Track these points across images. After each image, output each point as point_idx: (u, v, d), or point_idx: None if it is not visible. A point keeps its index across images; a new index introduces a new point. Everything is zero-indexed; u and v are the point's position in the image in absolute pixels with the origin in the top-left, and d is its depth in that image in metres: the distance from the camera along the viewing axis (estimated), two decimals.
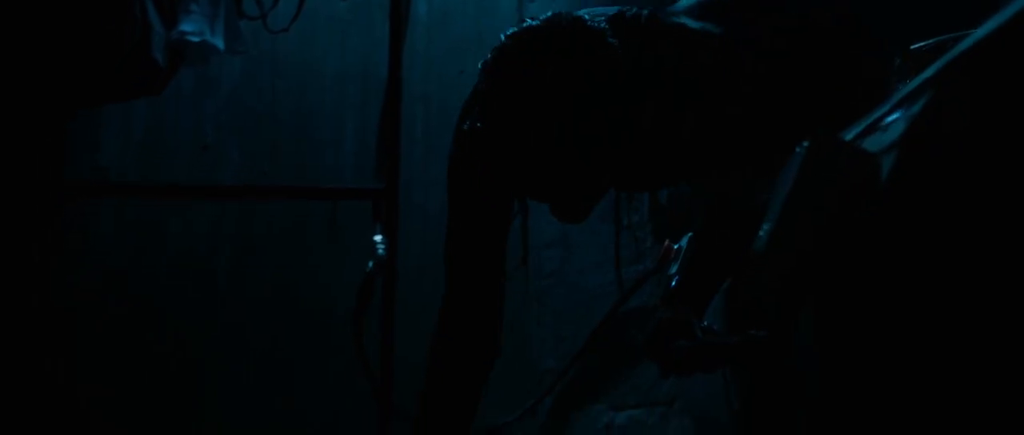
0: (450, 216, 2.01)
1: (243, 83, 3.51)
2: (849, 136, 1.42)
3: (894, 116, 1.30)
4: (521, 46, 1.71)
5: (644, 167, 1.81)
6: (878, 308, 1.23)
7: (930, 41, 1.72)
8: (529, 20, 1.76)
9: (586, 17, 1.72)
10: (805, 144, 1.34)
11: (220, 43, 2.89)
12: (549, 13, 1.75)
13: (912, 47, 1.76)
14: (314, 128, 3.56)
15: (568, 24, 1.70)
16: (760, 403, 1.63)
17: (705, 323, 1.82)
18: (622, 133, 1.70)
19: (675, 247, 2.40)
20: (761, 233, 1.39)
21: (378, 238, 3.00)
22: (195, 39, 2.81)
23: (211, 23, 2.86)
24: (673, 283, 1.93)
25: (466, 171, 1.94)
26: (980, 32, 1.19)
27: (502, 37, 1.75)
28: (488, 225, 1.98)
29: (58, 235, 3.28)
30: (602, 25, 1.70)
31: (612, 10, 1.80)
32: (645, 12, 1.75)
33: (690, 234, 2.05)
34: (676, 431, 3.61)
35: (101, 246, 3.39)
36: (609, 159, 1.71)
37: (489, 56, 1.75)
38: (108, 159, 3.40)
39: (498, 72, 1.72)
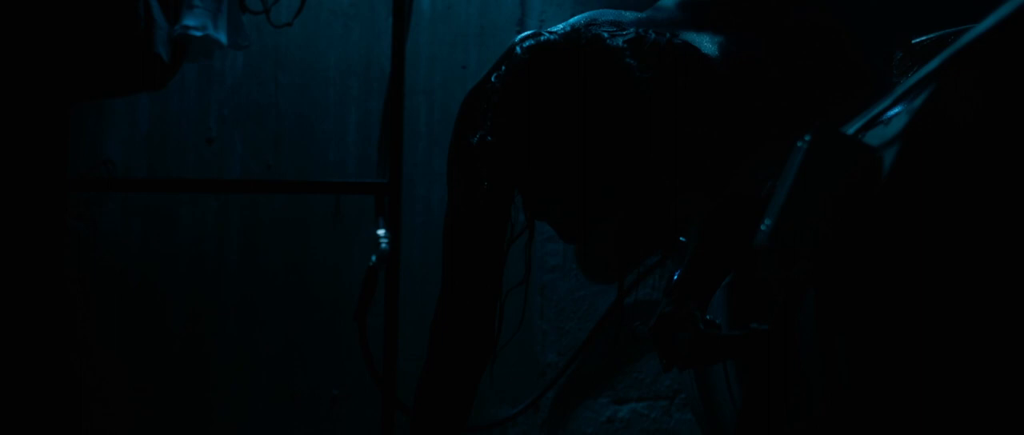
0: (450, 214, 2.02)
1: (246, 77, 3.52)
2: (851, 130, 1.42)
3: (896, 110, 1.31)
4: (538, 62, 1.68)
5: (655, 180, 1.80)
6: (880, 302, 1.23)
7: (932, 35, 1.72)
8: (548, 33, 1.73)
9: (605, 35, 1.70)
10: (807, 138, 1.35)
11: (223, 38, 2.90)
12: (562, 20, 1.74)
13: (914, 41, 1.77)
14: (317, 121, 3.56)
15: (587, 42, 1.68)
16: (761, 397, 1.63)
17: (708, 317, 1.83)
18: (638, 152, 1.68)
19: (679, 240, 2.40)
20: (763, 227, 1.39)
21: (381, 232, 3.00)
22: (198, 34, 2.81)
23: (214, 18, 2.86)
24: (676, 276, 1.93)
25: (472, 177, 1.94)
26: (982, 26, 1.19)
27: (517, 50, 1.72)
28: (489, 230, 1.99)
29: (64, 228, 3.28)
30: (621, 44, 1.68)
31: (627, 20, 1.79)
32: (665, 37, 1.74)
33: (693, 228, 2.05)
34: (678, 425, 3.62)
35: (106, 239, 3.40)
36: (624, 178, 1.70)
37: (503, 68, 1.73)
38: (114, 152, 3.41)
39: (514, 86, 1.70)
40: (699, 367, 2.06)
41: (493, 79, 1.75)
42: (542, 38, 1.71)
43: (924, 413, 1.20)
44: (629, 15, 1.86)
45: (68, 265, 3.28)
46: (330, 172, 3.54)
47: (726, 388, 1.89)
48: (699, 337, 1.73)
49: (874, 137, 1.32)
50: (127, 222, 3.42)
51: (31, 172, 2.87)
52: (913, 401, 1.21)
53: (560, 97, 1.65)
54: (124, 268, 3.40)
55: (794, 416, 1.48)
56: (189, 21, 2.79)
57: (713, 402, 2.04)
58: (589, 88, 1.65)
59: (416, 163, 3.56)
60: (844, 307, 1.27)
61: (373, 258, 2.96)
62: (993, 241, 1.18)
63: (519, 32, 3.66)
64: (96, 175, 3.35)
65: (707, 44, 1.78)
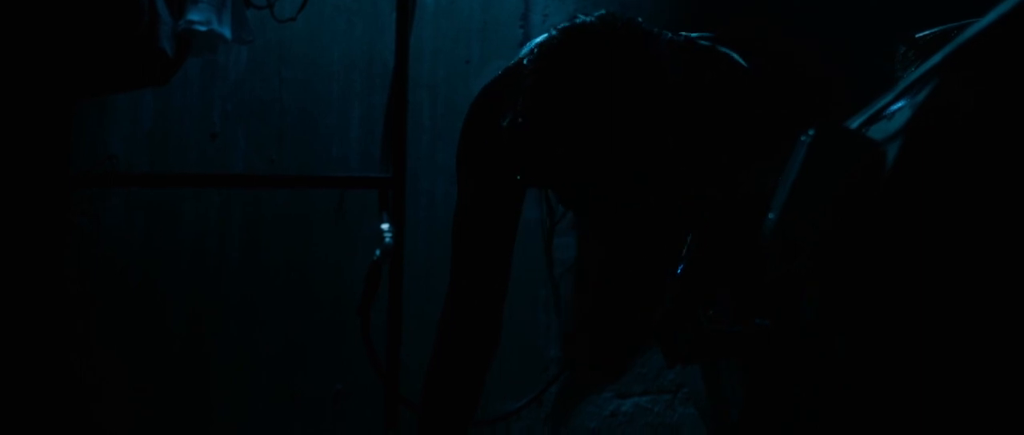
0: (460, 212, 2.02)
1: (250, 72, 3.52)
2: (854, 124, 1.42)
3: (899, 104, 1.30)
4: (574, 42, 1.68)
5: (679, 170, 1.82)
6: (883, 295, 1.23)
7: (935, 29, 1.72)
8: (582, 17, 1.73)
9: (639, 19, 1.71)
10: (810, 133, 1.35)
11: (227, 32, 2.89)
12: (565, 15, 1.75)
13: (917, 35, 1.77)
14: (320, 117, 3.56)
15: (623, 25, 1.68)
16: (763, 393, 1.63)
17: (710, 312, 1.83)
18: (668, 138, 1.69)
19: None
20: (767, 221, 1.39)
21: (385, 226, 3.00)
22: (202, 28, 2.80)
23: (218, 12, 2.86)
24: (679, 272, 1.93)
25: (490, 169, 1.94)
26: (985, 21, 1.19)
27: (552, 31, 1.71)
28: (501, 226, 2.00)
29: (66, 226, 3.29)
30: (656, 32, 1.70)
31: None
32: (682, 34, 1.77)
33: (695, 224, 2.05)
34: (682, 418, 3.62)
35: (109, 235, 3.40)
36: (656, 163, 1.71)
37: (536, 51, 1.73)
38: (116, 148, 3.41)
39: (548, 68, 1.68)
40: (702, 363, 2.06)
41: (525, 62, 1.74)
42: (577, 20, 1.71)
43: (925, 412, 1.20)
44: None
45: (70, 262, 3.29)
46: (333, 167, 3.54)
47: (729, 383, 1.89)
48: (701, 334, 1.73)
49: (877, 131, 1.32)
50: (130, 217, 3.43)
51: (35, 169, 2.87)
52: (913, 398, 1.21)
53: (596, 77, 1.65)
54: (126, 265, 3.41)
55: (795, 412, 1.48)
56: (193, 16, 2.79)
57: (717, 397, 2.04)
58: (626, 70, 1.65)
59: (420, 157, 3.56)
60: (845, 303, 1.27)
61: (377, 252, 2.96)
62: (996, 236, 1.18)
63: (522, 26, 3.66)
64: (99, 171, 3.36)
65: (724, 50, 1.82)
